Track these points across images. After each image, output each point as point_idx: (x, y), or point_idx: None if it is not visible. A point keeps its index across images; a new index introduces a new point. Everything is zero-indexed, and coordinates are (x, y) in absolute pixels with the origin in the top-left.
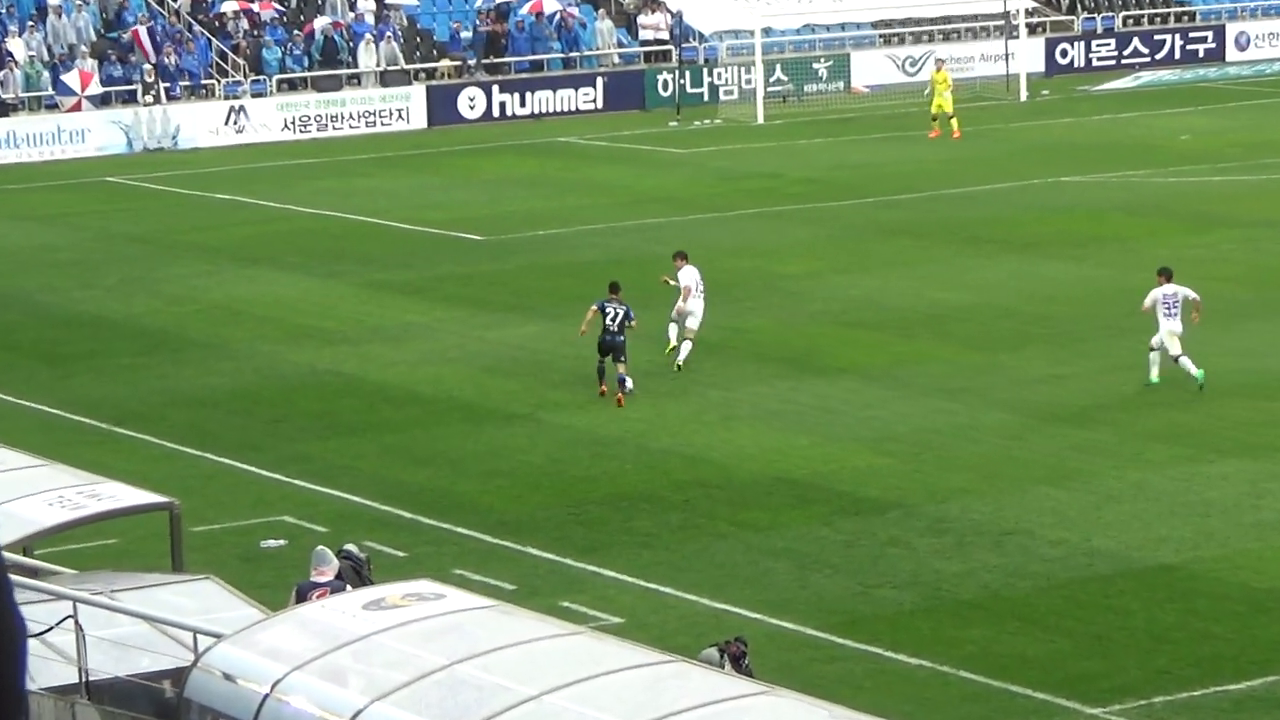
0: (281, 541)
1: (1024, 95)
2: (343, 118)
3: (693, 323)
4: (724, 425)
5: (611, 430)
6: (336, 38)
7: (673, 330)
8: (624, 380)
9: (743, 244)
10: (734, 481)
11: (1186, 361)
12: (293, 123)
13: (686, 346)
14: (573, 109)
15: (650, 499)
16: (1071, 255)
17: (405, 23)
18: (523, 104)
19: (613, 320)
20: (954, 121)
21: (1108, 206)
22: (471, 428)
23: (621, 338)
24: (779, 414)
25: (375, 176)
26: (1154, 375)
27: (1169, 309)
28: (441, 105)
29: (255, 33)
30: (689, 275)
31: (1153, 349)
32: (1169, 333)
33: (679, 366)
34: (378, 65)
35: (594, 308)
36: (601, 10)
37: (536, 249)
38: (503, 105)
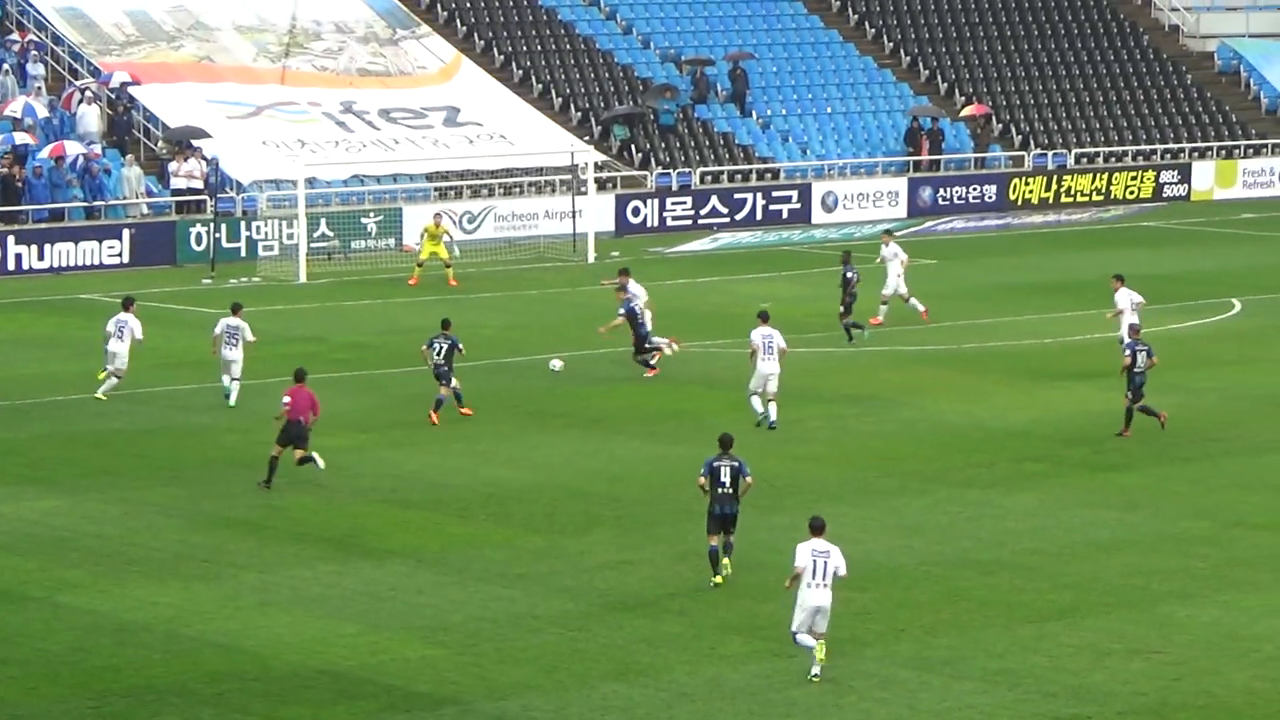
0: None
1: (592, 256)
2: None
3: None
4: (260, 611)
5: (138, 616)
6: None
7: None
8: (459, 396)
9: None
10: (271, 673)
11: (773, 407)
12: None
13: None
14: (97, 263)
15: (180, 692)
16: (644, 432)
17: None
18: (41, 257)
19: (438, 353)
20: (450, 270)
21: (684, 379)
22: None
23: (447, 368)
24: (321, 600)
25: None
26: (759, 411)
27: (767, 351)
28: None
29: None
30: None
31: (753, 393)
32: (765, 374)
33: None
34: None
35: (424, 346)
36: (130, 156)
37: (56, 416)
38: (19, 257)
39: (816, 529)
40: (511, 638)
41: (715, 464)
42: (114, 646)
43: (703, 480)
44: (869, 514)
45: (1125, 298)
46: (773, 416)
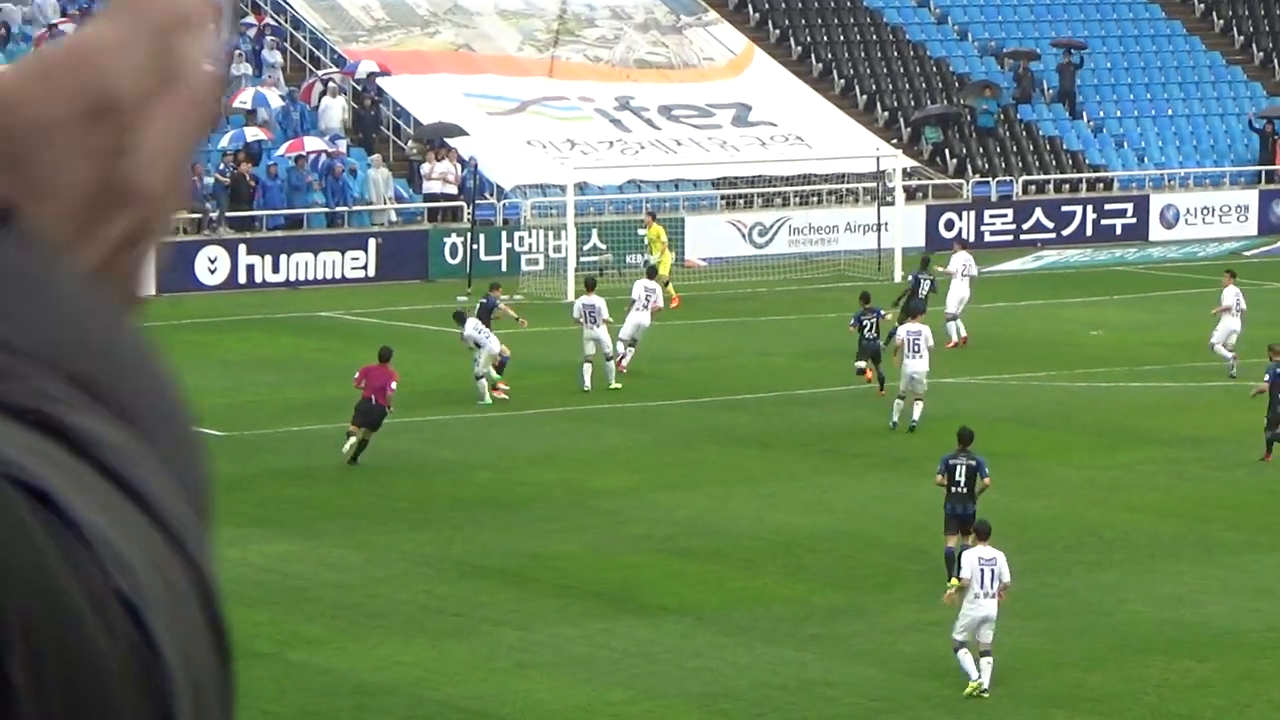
0: None
1: (898, 275)
2: None
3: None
4: (519, 674)
5: (380, 677)
6: None
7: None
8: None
9: (546, 451)
10: None
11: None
12: None
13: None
14: (338, 276)
15: None
16: None
17: None
18: (275, 269)
19: (870, 329)
20: (670, 287)
21: (1000, 415)
22: None
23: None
24: (588, 661)
25: None
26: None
27: (913, 349)
28: (174, 267)
29: None
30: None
31: (899, 395)
32: (910, 373)
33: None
34: None
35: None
36: (377, 155)
37: (291, 449)
38: (250, 269)
39: (982, 534)
40: (803, 707)
41: (951, 461)
42: (352, 710)
43: (940, 479)
44: (1211, 572)
45: (1233, 295)
46: (915, 416)
